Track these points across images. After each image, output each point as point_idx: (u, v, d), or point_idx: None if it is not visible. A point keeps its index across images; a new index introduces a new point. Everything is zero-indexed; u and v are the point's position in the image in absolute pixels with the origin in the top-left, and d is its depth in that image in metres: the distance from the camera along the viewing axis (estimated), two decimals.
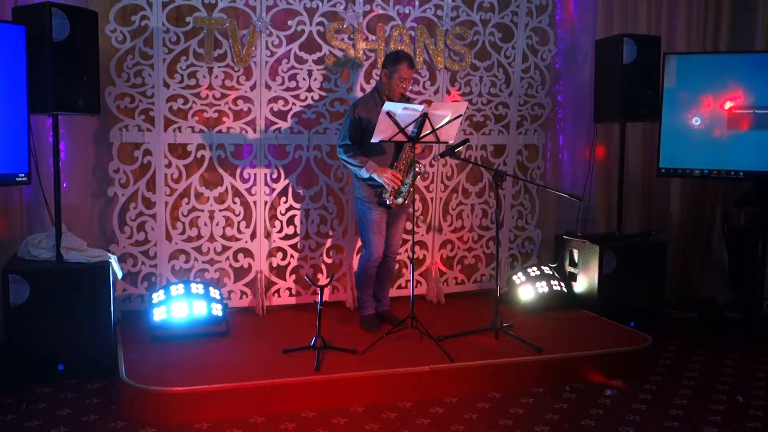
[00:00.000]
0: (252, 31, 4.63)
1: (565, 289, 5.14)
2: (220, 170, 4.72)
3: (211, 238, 4.77)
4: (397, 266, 4.84)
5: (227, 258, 4.80)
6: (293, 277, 4.97)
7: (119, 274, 4.28)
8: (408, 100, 4.22)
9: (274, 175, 4.84)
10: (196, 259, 4.74)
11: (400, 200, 4.26)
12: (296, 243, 4.96)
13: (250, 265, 4.86)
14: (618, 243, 5.07)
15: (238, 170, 4.77)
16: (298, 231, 4.95)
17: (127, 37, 4.43)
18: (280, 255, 4.92)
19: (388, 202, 4.26)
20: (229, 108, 4.70)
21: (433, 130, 4.04)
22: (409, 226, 4.44)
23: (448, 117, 4.05)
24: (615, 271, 4.93)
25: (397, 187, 4.22)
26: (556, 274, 5.20)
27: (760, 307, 5.29)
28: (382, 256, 4.46)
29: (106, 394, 3.72)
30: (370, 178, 4.24)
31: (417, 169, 4.23)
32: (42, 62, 3.84)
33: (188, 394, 3.44)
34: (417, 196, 4.53)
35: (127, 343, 4.09)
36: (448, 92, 5.15)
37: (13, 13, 3.99)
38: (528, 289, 5.05)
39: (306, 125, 4.86)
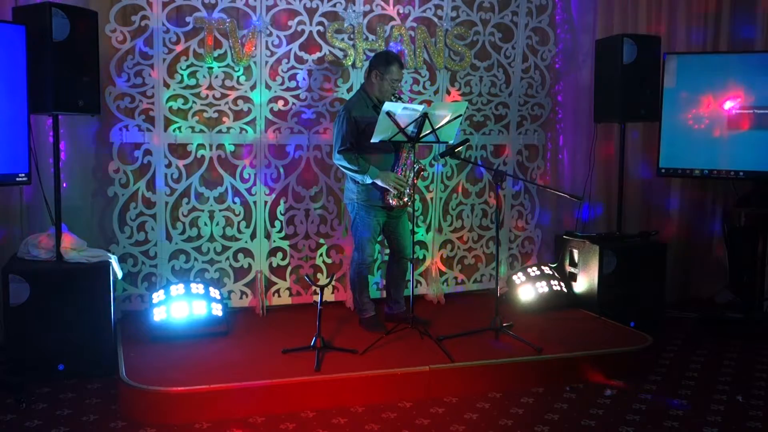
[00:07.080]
0: (252, 31, 4.63)
1: (565, 289, 5.13)
2: (220, 170, 4.72)
3: (211, 238, 4.77)
4: None
5: (227, 258, 4.81)
6: (293, 277, 4.98)
7: (119, 274, 4.28)
8: (399, 100, 4.20)
9: (274, 175, 4.84)
10: (196, 259, 4.75)
11: (404, 200, 4.25)
12: (296, 243, 4.96)
13: (250, 265, 4.86)
14: (618, 243, 5.07)
15: (238, 170, 4.77)
16: (298, 231, 4.95)
17: (127, 37, 4.44)
18: (280, 255, 4.92)
19: (392, 203, 4.25)
20: (229, 108, 4.70)
21: (433, 130, 4.04)
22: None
23: (447, 117, 4.05)
24: (615, 271, 4.93)
25: (401, 190, 4.21)
26: (556, 274, 5.19)
27: (760, 307, 5.28)
28: (398, 258, 4.46)
29: (106, 394, 3.72)
30: (372, 183, 4.23)
31: (419, 166, 4.22)
32: (42, 62, 3.83)
33: (188, 394, 3.44)
34: (417, 196, 4.52)
35: (127, 343, 4.08)
36: (448, 92, 5.15)
37: (13, 13, 3.99)
38: (528, 289, 5.04)
39: (306, 125, 4.86)
